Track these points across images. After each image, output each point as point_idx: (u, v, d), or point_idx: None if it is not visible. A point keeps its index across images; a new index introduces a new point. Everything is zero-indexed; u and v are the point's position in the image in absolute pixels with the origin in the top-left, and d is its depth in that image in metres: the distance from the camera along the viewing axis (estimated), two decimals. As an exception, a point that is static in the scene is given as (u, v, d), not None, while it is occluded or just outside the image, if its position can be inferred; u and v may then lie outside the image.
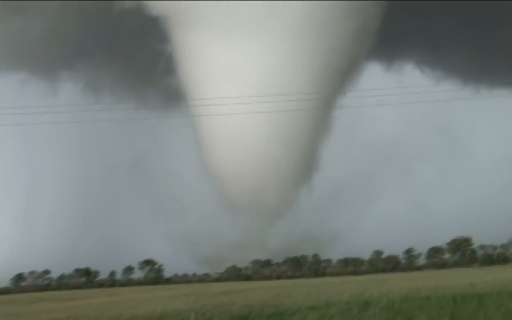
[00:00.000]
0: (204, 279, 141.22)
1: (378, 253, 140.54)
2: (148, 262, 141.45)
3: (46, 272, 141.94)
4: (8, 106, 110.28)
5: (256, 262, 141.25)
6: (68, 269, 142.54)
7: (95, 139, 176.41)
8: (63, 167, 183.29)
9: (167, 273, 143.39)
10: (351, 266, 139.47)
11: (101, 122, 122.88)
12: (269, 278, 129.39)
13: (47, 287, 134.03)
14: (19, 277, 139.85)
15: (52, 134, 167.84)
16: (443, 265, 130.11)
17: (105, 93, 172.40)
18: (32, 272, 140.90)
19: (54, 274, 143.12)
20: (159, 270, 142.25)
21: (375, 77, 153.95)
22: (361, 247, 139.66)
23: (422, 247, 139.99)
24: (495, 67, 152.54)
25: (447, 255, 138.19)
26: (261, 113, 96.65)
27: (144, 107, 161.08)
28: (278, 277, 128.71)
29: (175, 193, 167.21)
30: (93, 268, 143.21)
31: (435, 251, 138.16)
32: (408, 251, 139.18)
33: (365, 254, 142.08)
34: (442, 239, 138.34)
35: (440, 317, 20.04)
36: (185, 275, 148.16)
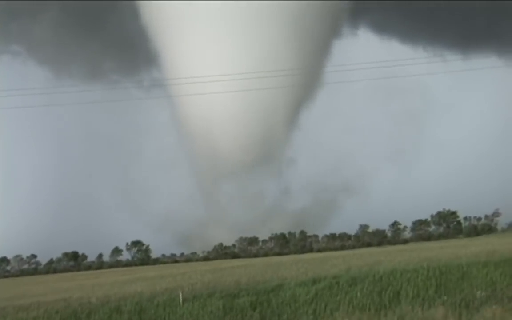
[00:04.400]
0: (191, 258, 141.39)
1: (364, 227, 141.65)
2: (136, 243, 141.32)
3: (33, 256, 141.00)
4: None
5: (242, 239, 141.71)
6: (54, 254, 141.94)
7: (71, 120, 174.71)
8: (41, 151, 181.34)
9: (154, 254, 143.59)
10: (338, 241, 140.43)
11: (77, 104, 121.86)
12: (256, 255, 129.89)
13: (34, 271, 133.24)
14: (3, 261, 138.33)
15: (28, 116, 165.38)
16: (429, 238, 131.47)
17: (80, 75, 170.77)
18: (17, 256, 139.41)
19: (41, 260, 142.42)
20: (147, 251, 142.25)
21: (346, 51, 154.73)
22: (347, 222, 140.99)
23: (408, 222, 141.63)
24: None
25: (432, 228, 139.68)
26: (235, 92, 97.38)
27: (119, 87, 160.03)
28: (265, 255, 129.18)
29: (155, 174, 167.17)
30: (80, 251, 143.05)
31: (420, 224, 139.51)
32: (394, 225, 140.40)
33: (352, 229, 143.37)
34: (427, 213, 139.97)
35: (427, 289, 20.21)
36: (173, 255, 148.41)
